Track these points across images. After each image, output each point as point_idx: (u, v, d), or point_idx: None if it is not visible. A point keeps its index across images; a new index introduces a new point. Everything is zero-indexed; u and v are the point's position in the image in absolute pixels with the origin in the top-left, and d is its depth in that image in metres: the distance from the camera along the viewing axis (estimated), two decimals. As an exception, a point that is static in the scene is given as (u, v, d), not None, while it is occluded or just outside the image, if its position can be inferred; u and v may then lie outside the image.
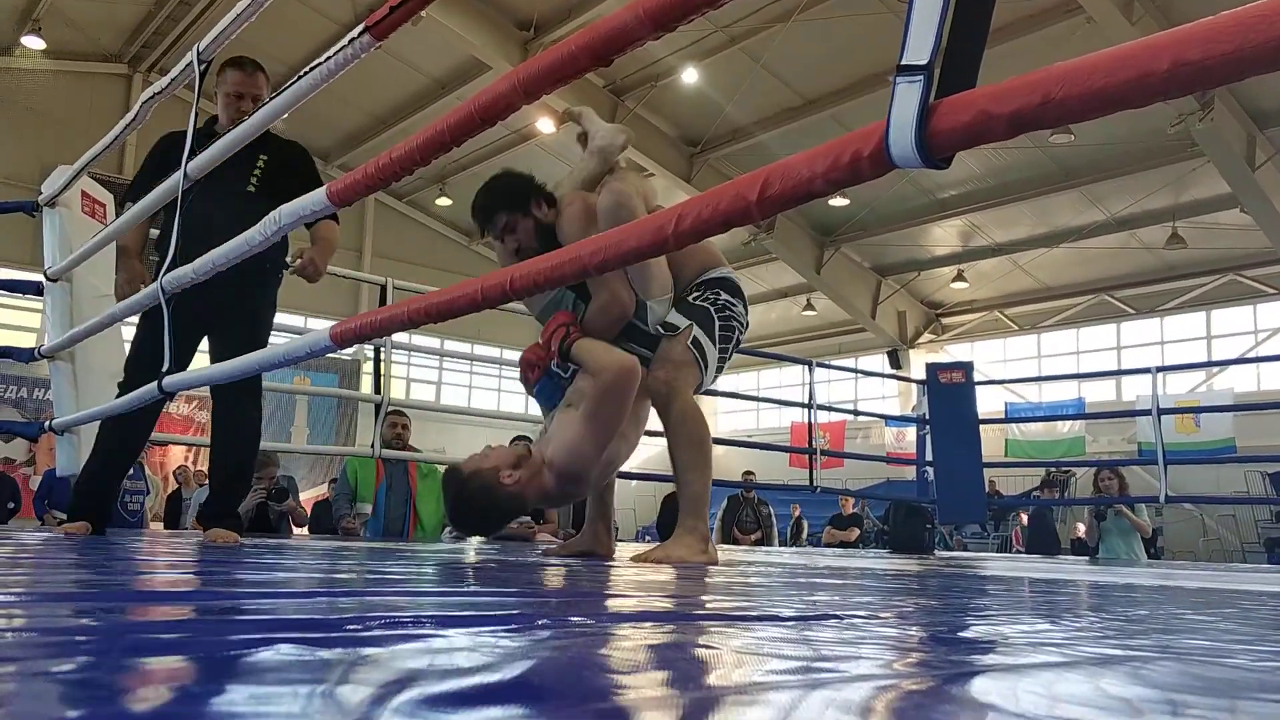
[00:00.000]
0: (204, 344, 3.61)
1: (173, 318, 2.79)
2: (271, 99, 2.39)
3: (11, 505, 9.73)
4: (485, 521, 3.03)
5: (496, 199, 3.25)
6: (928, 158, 0.98)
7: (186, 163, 2.71)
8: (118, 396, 3.23)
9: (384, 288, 5.89)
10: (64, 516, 5.72)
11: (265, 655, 0.73)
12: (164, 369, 2.79)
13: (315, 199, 2.12)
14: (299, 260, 3.56)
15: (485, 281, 1.49)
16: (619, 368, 2.99)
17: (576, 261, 1.31)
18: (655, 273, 3.26)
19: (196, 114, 2.94)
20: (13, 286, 4.60)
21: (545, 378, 3.29)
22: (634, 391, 3.04)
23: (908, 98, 0.98)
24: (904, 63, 0.99)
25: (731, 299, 3.42)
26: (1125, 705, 0.68)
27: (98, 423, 3.57)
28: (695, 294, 3.37)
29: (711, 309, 3.34)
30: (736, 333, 3.42)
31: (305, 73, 2.20)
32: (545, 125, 16.03)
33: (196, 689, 0.58)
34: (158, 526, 9.03)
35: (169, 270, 2.69)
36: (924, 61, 0.98)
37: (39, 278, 4.26)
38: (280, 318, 3.93)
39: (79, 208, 4.27)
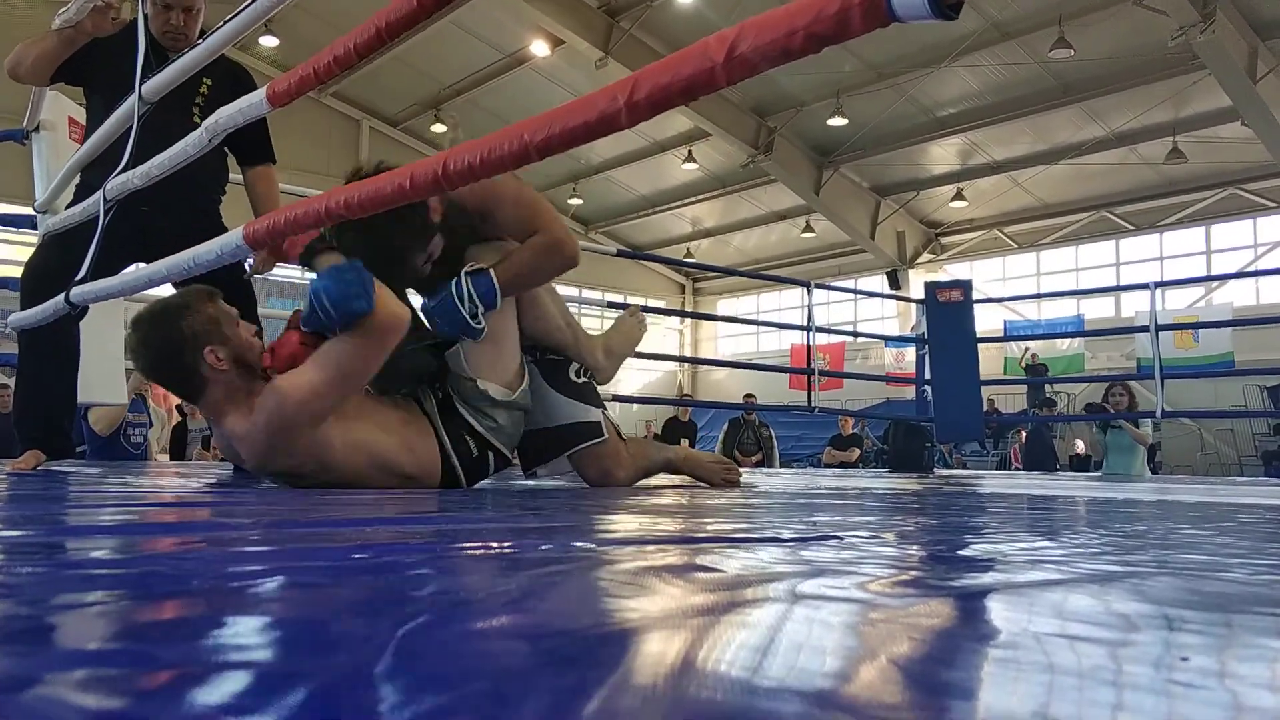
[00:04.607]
0: None
1: (109, 248, 2.61)
2: (238, 12, 2.10)
3: None
4: (150, 364, 2.30)
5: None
6: (939, 2, 0.74)
7: (141, 83, 2.48)
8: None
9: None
10: (84, 448, 5.78)
11: (269, 587, 0.74)
12: (78, 277, 2.49)
13: (254, 100, 1.95)
14: (257, 264, 3.35)
15: (415, 169, 1.31)
16: (389, 315, 2.30)
17: (517, 140, 1.11)
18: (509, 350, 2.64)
19: (147, 31, 2.72)
20: (7, 221, 4.57)
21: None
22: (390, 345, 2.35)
23: None
24: None
25: None
26: (1123, 620, 0.68)
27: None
28: (574, 366, 2.84)
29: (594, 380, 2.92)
30: None
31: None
32: (539, 49, 15.76)
33: (207, 619, 0.59)
34: (164, 458, 9.09)
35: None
36: None
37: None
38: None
39: (65, 132, 4.14)
